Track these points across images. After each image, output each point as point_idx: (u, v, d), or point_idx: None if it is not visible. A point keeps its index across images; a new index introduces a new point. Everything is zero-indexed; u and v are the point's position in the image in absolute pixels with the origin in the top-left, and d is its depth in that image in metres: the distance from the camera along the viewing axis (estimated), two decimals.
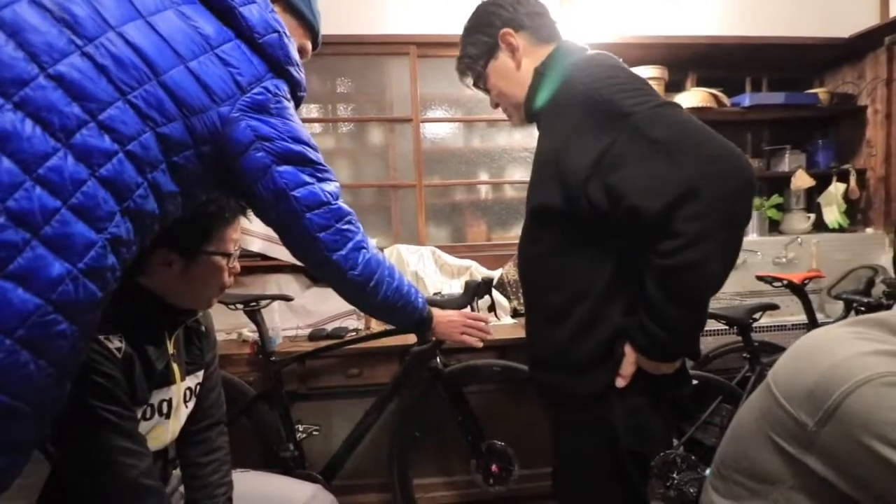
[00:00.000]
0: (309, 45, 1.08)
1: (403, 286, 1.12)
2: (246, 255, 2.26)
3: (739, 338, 2.00)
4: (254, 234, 2.26)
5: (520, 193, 2.78)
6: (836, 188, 2.74)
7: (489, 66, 1.15)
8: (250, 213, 1.06)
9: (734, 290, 2.44)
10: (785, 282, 2.10)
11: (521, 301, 2.48)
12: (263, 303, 1.94)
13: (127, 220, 0.73)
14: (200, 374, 1.20)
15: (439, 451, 2.17)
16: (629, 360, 1.00)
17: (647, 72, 2.55)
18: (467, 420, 1.95)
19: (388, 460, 2.03)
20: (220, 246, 1.07)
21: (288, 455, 1.92)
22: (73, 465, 0.93)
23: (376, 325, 2.27)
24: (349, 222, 0.96)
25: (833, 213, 2.75)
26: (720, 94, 2.62)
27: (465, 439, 1.96)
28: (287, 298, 2.09)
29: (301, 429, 1.97)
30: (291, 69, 0.89)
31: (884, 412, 0.69)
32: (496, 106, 1.22)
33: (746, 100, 2.63)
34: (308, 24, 1.05)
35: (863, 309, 2.04)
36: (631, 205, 0.89)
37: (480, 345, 1.41)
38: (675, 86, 2.72)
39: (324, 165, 0.93)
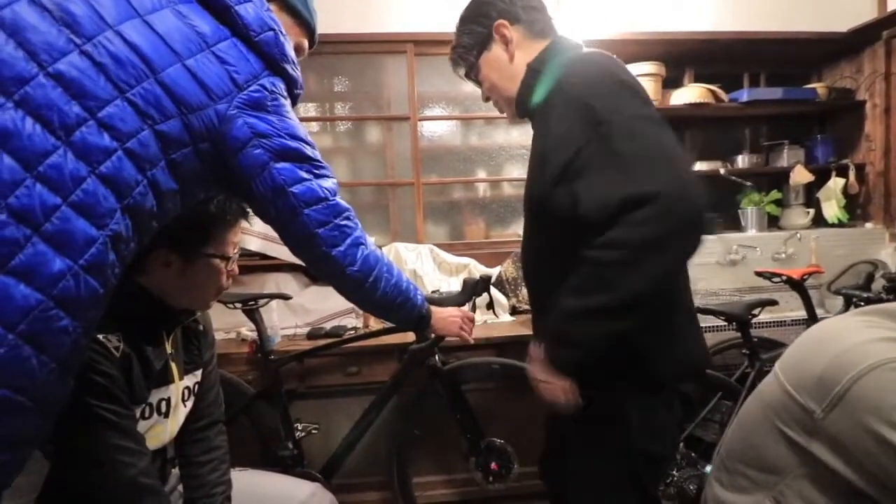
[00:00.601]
0: (305, 44, 1.08)
1: (402, 283, 1.12)
2: (245, 253, 2.26)
3: (738, 334, 2.00)
4: (252, 233, 2.25)
5: (518, 191, 2.78)
6: (836, 183, 2.74)
7: (482, 57, 1.15)
8: (250, 214, 1.06)
9: (733, 287, 2.44)
10: (784, 277, 2.09)
11: (520, 299, 2.48)
12: (262, 302, 1.94)
13: (127, 218, 0.74)
14: (199, 373, 1.20)
15: (438, 449, 2.17)
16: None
17: (644, 68, 2.54)
18: (466, 418, 1.95)
19: (388, 458, 2.03)
20: (220, 248, 1.07)
21: (287, 454, 1.92)
22: (71, 464, 0.93)
23: (375, 324, 2.27)
24: (347, 218, 0.96)
25: (832, 209, 2.74)
26: (718, 90, 2.61)
27: (464, 437, 1.96)
28: (286, 297, 2.09)
29: (300, 427, 1.97)
30: (287, 67, 0.89)
31: (892, 396, 0.70)
32: (487, 99, 1.22)
33: (744, 95, 2.62)
34: (304, 22, 1.05)
35: (862, 304, 2.02)
36: (583, 212, 0.91)
37: (472, 340, 1.48)
38: (672, 82, 2.71)
39: (321, 162, 0.93)
